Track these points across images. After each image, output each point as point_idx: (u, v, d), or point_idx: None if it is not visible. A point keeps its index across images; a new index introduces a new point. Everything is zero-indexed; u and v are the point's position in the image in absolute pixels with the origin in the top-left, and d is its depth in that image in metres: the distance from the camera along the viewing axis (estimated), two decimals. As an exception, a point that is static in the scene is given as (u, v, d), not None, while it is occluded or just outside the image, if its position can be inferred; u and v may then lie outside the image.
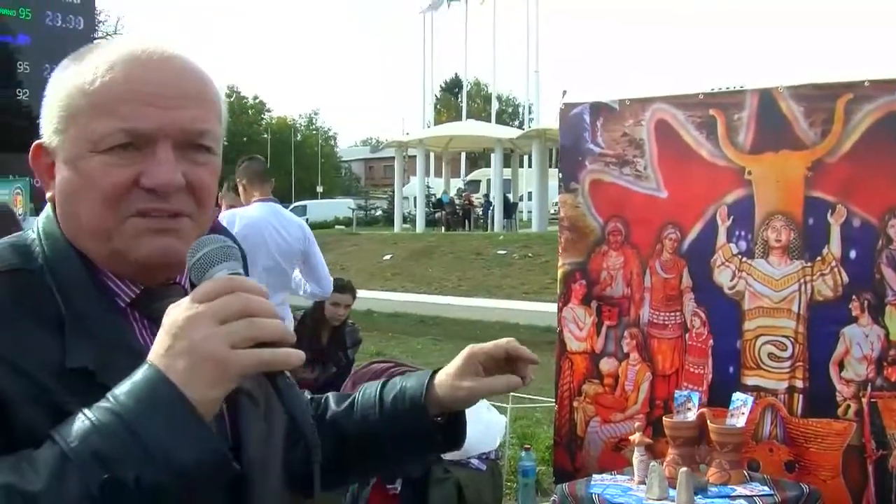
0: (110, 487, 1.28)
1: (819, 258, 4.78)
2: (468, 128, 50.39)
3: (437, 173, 57.54)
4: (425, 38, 56.00)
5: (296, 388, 1.47)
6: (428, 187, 49.11)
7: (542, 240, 29.88)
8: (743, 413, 4.62)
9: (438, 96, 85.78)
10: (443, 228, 45.06)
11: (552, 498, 4.84)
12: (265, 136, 78.65)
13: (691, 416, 4.73)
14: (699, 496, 4.37)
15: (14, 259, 1.60)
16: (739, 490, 4.48)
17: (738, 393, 4.75)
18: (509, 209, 44.55)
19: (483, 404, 6.91)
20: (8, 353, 1.45)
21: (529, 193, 45.29)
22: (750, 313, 4.93)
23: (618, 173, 5.35)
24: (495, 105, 61.35)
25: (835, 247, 4.75)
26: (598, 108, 5.47)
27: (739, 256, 4.95)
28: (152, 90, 1.57)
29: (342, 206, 59.31)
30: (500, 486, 6.89)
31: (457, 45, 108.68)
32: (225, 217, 6.98)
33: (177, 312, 1.39)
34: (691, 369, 5.11)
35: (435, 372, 2.04)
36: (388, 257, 33.20)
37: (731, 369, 4.98)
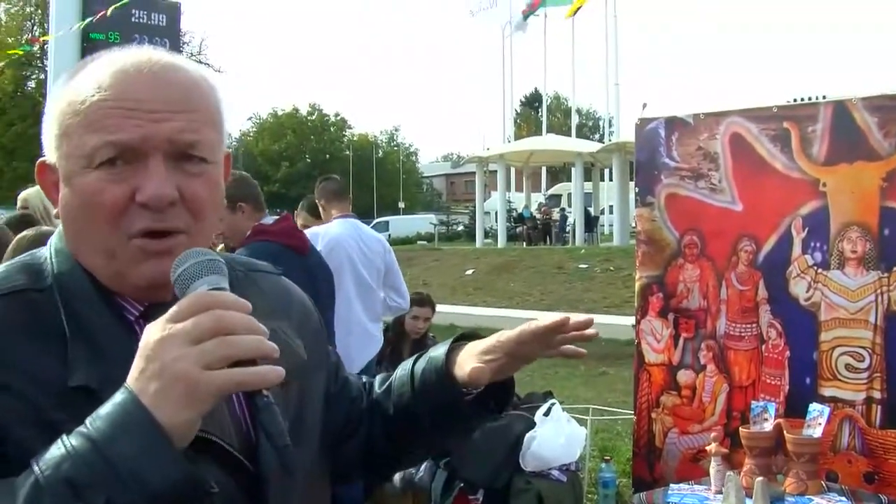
0: None
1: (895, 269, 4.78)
2: (548, 142, 50.23)
3: (518, 188, 57.41)
4: (504, 54, 56.02)
5: (273, 407, 1.42)
6: (509, 202, 49.01)
7: (623, 253, 29.70)
8: (820, 423, 4.62)
9: (518, 111, 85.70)
10: (524, 243, 44.94)
11: (630, 507, 4.89)
12: (347, 152, 79.24)
13: (768, 426, 4.75)
14: (776, 506, 4.40)
15: (21, 279, 1.61)
16: (817, 500, 4.47)
17: (814, 403, 4.76)
18: (590, 223, 44.30)
19: (564, 416, 6.98)
20: (9, 380, 1.47)
21: (610, 207, 45.04)
22: (826, 324, 4.94)
23: (693, 187, 5.40)
24: (575, 119, 61.11)
25: (911, 257, 4.75)
26: (672, 123, 5.53)
27: (815, 268, 4.96)
28: (136, 102, 1.56)
29: (424, 222, 59.47)
30: (580, 497, 6.95)
31: (536, 60, 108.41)
32: (308, 234, 7.13)
33: (151, 333, 1.38)
34: (768, 380, 5.13)
35: (458, 339, 1.98)
36: (469, 272, 33.22)
37: (808, 380, 4.99)
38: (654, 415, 5.57)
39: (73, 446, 1.32)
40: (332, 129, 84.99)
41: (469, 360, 1.87)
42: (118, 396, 1.36)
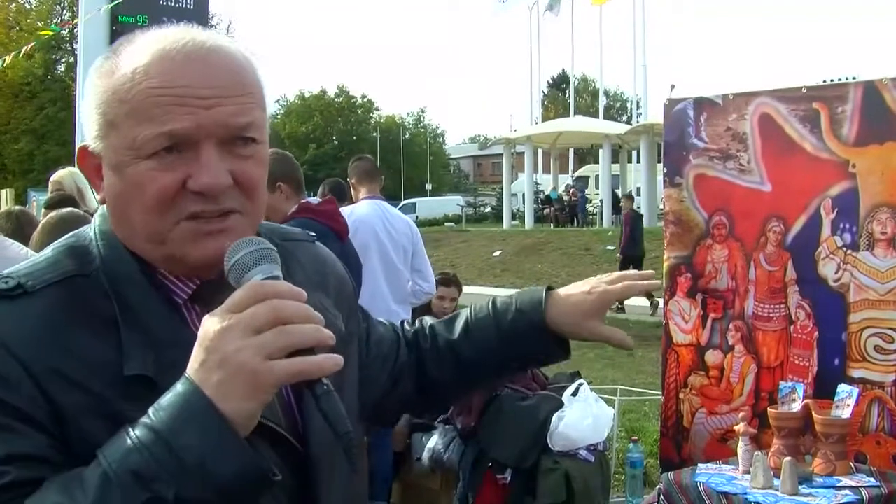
0: None
1: (925, 250, 4.76)
2: (576, 123, 50.20)
3: (546, 169, 57.36)
4: (532, 35, 55.89)
5: (332, 394, 1.43)
6: (536, 183, 48.97)
7: (651, 235, 29.62)
8: (848, 405, 4.61)
9: (546, 92, 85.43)
10: (551, 224, 44.90)
11: (658, 486, 4.90)
12: (374, 134, 79.22)
13: (796, 406, 4.74)
14: (804, 486, 4.39)
15: (71, 264, 1.61)
16: (845, 481, 4.46)
17: (843, 384, 4.75)
18: (618, 205, 44.22)
19: (592, 396, 6.99)
20: (64, 369, 1.47)
21: (638, 189, 44.93)
22: (855, 305, 4.92)
23: (721, 167, 5.39)
24: (603, 100, 61.03)
25: (941, 238, 4.73)
26: (701, 104, 5.52)
27: (844, 249, 4.94)
28: (186, 89, 1.54)
29: (451, 204, 59.45)
30: (608, 477, 6.96)
31: (563, 41, 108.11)
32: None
33: (210, 324, 1.39)
34: (796, 361, 5.12)
35: (549, 290, 2.11)
36: (497, 253, 33.26)
37: (837, 361, 4.97)
38: (681, 395, 5.58)
39: (139, 438, 1.35)
40: (359, 111, 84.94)
41: (577, 318, 2.07)
42: (180, 387, 1.38)
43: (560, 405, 6.57)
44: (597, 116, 56.61)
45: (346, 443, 1.42)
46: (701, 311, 5.50)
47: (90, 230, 1.69)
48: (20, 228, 5.71)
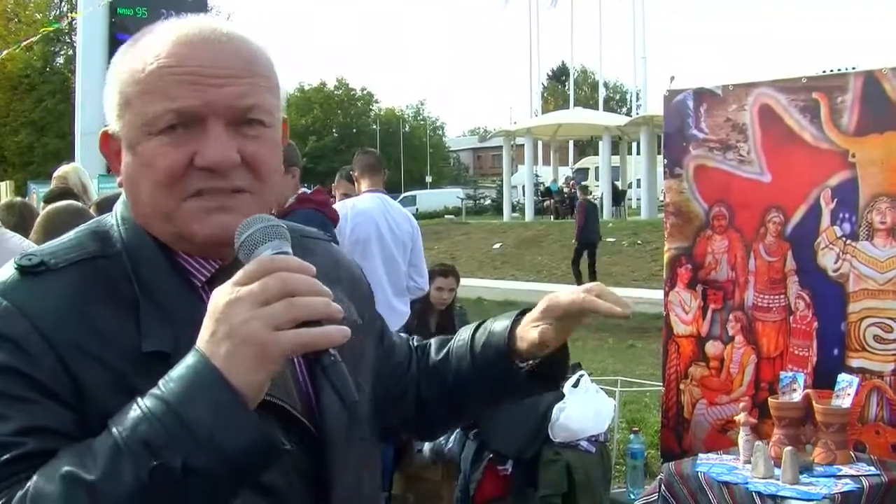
0: (160, 474, 1.32)
1: (925, 239, 4.77)
2: (576, 116, 50.17)
3: (546, 161, 57.35)
4: (531, 27, 55.88)
5: (340, 365, 1.44)
6: (536, 176, 48.93)
7: (650, 227, 29.67)
8: (848, 394, 4.63)
9: (545, 84, 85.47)
10: (552, 216, 44.88)
11: (659, 476, 4.91)
12: (374, 127, 79.18)
13: (797, 396, 4.76)
14: (804, 475, 4.41)
15: (93, 246, 1.65)
16: (845, 470, 4.49)
17: (843, 374, 4.76)
18: (618, 197, 44.23)
19: (592, 388, 7.01)
20: (86, 344, 1.51)
21: (638, 181, 44.92)
22: (855, 295, 4.93)
23: (721, 158, 5.40)
24: (602, 92, 61.02)
25: (941, 228, 4.74)
26: (701, 95, 5.53)
27: (844, 239, 4.95)
28: (196, 68, 1.58)
29: (451, 196, 59.38)
30: (608, 468, 6.98)
31: (563, 33, 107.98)
32: (338, 207, 7.20)
33: (219, 296, 1.41)
34: (796, 352, 5.13)
35: (522, 313, 1.99)
36: (497, 246, 33.25)
37: (836, 351, 4.99)
38: (682, 386, 5.59)
39: (149, 408, 1.37)
40: (358, 103, 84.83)
41: (526, 330, 1.93)
42: (190, 359, 1.40)
43: (561, 396, 6.58)
44: (596, 108, 56.62)
45: (354, 412, 1.47)
46: (701, 301, 5.51)
47: (111, 216, 1.73)
48: (23, 221, 5.71)
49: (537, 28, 55.96)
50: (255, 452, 1.37)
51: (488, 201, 60.64)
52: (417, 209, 46.53)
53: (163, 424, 1.34)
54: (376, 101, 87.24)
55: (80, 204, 5.87)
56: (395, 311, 7.19)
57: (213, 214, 1.59)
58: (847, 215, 4.94)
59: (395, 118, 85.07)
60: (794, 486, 4.31)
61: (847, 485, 4.33)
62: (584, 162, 60.26)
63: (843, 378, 4.70)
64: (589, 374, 7.22)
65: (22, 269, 1.58)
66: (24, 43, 19.31)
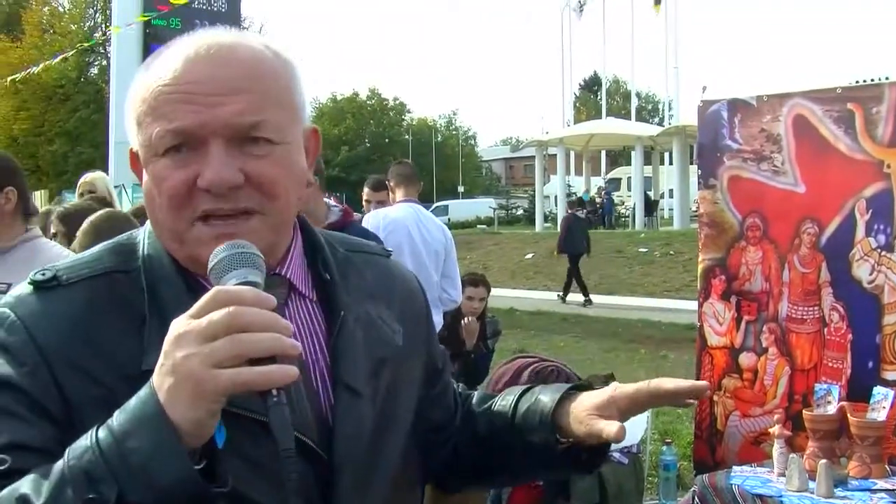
0: None
1: (961, 251, 4.73)
2: (608, 126, 50.06)
3: (578, 172, 57.28)
4: (563, 37, 55.80)
5: (282, 408, 1.36)
6: (569, 186, 48.90)
7: (683, 237, 29.58)
8: (884, 407, 4.59)
9: (577, 94, 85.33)
10: (584, 227, 44.76)
11: (692, 488, 4.89)
12: (406, 136, 79.28)
13: (831, 409, 4.73)
14: (839, 489, 4.38)
15: (110, 261, 1.66)
16: (881, 484, 4.45)
17: (878, 387, 4.72)
18: (650, 207, 44.09)
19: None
20: (80, 361, 1.52)
21: (670, 191, 44.76)
22: (889, 307, 4.88)
23: (755, 169, 5.38)
24: (635, 102, 60.77)
25: (977, 239, 4.70)
26: (735, 105, 5.50)
27: (879, 250, 4.91)
28: (192, 86, 1.55)
29: (483, 206, 59.39)
30: (641, 479, 6.94)
31: (595, 43, 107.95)
32: (371, 216, 7.23)
33: (174, 328, 1.37)
34: (830, 364, 5.09)
35: (574, 388, 1.88)
36: (529, 256, 33.20)
37: (871, 364, 4.94)
38: (715, 398, 5.56)
39: (98, 438, 1.36)
40: (391, 113, 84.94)
41: (582, 415, 1.78)
42: (143, 391, 1.38)
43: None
44: (629, 118, 56.41)
45: (285, 461, 1.38)
46: (735, 313, 5.48)
47: (142, 230, 1.73)
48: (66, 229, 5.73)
49: (569, 38, 55.91)
50: (186, 491, 1.33)
51: (520, 211, 60.57)
52: (449, 219, 46.50)
53: (104, 456, 1.33)
54: (408, 111, 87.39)
55: (123, 212, 5.89)
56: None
57: (221, 241, 1.53)
58: (882, 226, 4.90)
59: (427, 128, 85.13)
60: (828, 500, 4.28)
61: (882, 499, 4.30)
62: (617, 172, 60.12)
63: (878, 391, 4.66)
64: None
65: (35, 284, 1.61)
66: (60, 57, 19.45)
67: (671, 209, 43.54)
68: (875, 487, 4.42)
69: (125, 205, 13.23)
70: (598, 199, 47.41)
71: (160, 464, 1.31)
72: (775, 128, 5.30)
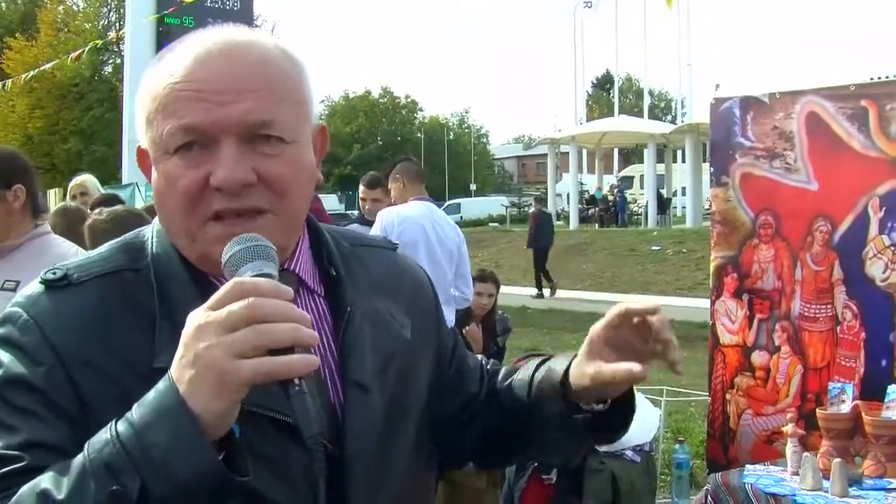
0: (116, 498, 1.32)
1: (975, 248, 4.71)
2: (620, 123, 49.97)
3: (590, 169, 57.17)
4: (576, 35, 55.75)
5: (304, 396, 1.38)
6: (581, 184, 48.80)
7: (696, 235, 29.49)
8: (899, 405, 4.58)
9: (590, 92, 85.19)
10: (596, 225, 44.68)
11: (705, 487, 4.88)
12: (418, 135, 79.26)
13: (845, 408, 4.71)
14: (853, 488, 4.36)
15: (120, 260, 1.66)
16: None
17: (893, 385, 4.70)
18: (663, 205, 43.96)
19: (638, 397, 6.96)
20: (95, 359, 1.53)
21: (683, 189, 44.65)
22: (903, 305, 4.87)
23: (768, 166, 5.36)
24: (647, 100, 60.65)
25: None
26: (748, 102, 5.49)
27: (892, 248, 4.89)
28: (203, 83, 1.55)
29: (496, 204, 59.26)
30: (654, 478, 6.92)
31: (607, 41, 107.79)
32: (384, 213, 7.24)
33: (192, 320, 1.38)
34: (843, 362, 5.08)
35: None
36: (541, 254, 33.18)
37: (884, 363, 4.92)
38: (728, 396, 5.55)
39: (118, 431, 1.36)
40: (403, 111, 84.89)
41: (581, 367, 1.78)
42: (161, 383, 1.38)
43: (606, 405, 6.52)
44: (641, 116, 56.28)
45: (314, 447, 1.42)
46: (747, 311, 5.47)
47: (149, 228, 1.73)
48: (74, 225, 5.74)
49: (581, 36, 55.88)
50: (208, 481, 1.34)
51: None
52: (462, 217, 46.47)
53: (125, 448, 1.34)
54: (420, 109, 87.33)
55: (135, 209, 5.90)
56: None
57: (228, 240, 1.53)
58: (895, 224, 4.88)
59: (439, 126, 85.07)
60: (843, 499, 4.27)
61: (897, 498, 4.29)
62: (629, 170, 59.96)
63: (893, 389, 4.64)
64: (634, 384, 7.17)
65: (46, 283, 1.61)
66: (74, 55, 19.48)
67: (684, 207, 43.39)
68: (890, 487, 4.40)
69: (138, 203, 13.28)
70: (610, 197, 47.27)
71: (183, 455, 1.32)
72: (788, 125, 5.28)
